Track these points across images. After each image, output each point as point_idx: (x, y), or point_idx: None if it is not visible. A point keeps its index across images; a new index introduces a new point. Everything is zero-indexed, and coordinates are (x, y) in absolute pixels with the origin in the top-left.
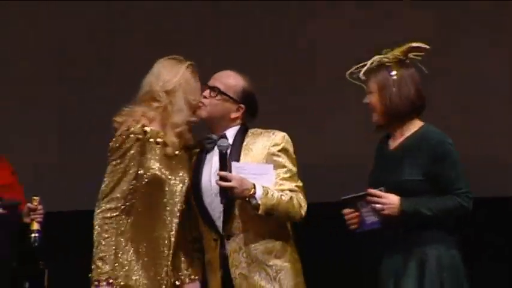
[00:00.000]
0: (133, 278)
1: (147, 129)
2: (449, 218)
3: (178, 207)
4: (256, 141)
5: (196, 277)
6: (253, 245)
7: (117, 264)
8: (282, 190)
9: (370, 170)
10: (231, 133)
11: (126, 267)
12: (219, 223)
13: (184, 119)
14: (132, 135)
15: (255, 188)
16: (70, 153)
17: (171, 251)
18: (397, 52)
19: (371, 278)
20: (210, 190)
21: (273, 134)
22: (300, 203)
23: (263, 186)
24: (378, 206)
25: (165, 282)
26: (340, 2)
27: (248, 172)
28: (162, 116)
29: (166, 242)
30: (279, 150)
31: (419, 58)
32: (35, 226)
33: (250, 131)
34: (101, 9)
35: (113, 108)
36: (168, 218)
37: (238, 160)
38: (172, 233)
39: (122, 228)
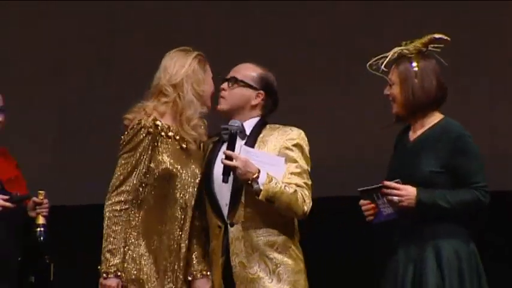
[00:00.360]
0: (145, 271)
1: (158, 123)
2: (465, 211)
3: (191, 202)
4: (272, 134)
5: (208, 272)
6: (255, 235)
7: (127, 257)
8: (289, 183)
9: (369, 171)
10: (249, 124)
11: (138, 261)
12: (225, 211)
13: (197, 111)
14: (143, 129)
15: (259, 172)
16: (70, 153)
17: (182, 246)
18: (418, 44)
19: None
20: (220, 178)
21: (290, 129)
22: (304, 199)
23: (269, 174)
24: (395, 198)
25: (175, 276)
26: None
27: (258, 159)
28: (173, 110)
29: (177, 236)
30: (293, 145)
31: (439, 50)
32: (41, 220)
33: (269, 125)
34: (101, 9)
35: (113, 108)
36: (179, 213)
37: None
38: (185, 228)
39: (134, 222)
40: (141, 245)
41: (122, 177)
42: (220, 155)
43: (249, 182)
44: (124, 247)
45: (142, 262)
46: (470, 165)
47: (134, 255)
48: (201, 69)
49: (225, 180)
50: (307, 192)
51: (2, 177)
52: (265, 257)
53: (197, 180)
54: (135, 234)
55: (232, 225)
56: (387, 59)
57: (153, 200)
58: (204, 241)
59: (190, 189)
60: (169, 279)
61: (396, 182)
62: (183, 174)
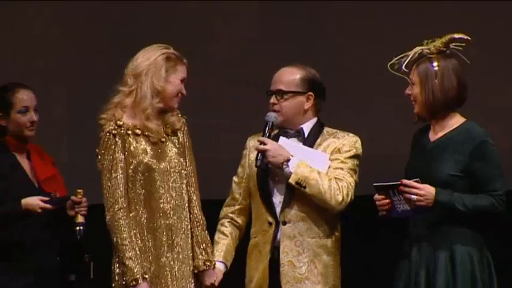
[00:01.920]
0: (162, 260)
1: (120, 123)
2: (480, 217)
3: (181, 193)
4: (327, 139)
5: (212, 262)
6: (307, 236)
7: (143, 257)
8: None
9: (368, 172)
10: (307, 127)
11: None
12: (278, 208)
13: (148, 104)
14: (108, 134)
15: (289, 160)
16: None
17: (176, 239)
18: (438, 43)
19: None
20: (275, 176)
21: (347, 134)
22: (341, 190)
23: (300, 161)
24: (413, 196)
25: (172, 270)
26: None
27: (299, 152)
28: (132, 100)
29: (168, 231)
30: (346, 151)
31: (461, 49)
32: (80, 219)
33: (326, 129)
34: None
35: None
36: (168, 206)
37: None
38: (179, 220)
39: (131, 223)
40: (145, 240)
41: (110, 187)
42: None
43: (280, 165)
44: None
45: (152, 252)
46: (489, 172)
47: (145, 250)
48: (167, 66)
49: (256, 164)
50: (345, 184)
51: (39, 176)
52: (315, 258)
53: (182, 170)
54: (137, 232)
55: (284, 224)
56: (408, 59)
57: (139, 199)
58: (202, 231)
59: (174, 179)
60: (166, 274)
61: (415, 181)
62: (161, 166)
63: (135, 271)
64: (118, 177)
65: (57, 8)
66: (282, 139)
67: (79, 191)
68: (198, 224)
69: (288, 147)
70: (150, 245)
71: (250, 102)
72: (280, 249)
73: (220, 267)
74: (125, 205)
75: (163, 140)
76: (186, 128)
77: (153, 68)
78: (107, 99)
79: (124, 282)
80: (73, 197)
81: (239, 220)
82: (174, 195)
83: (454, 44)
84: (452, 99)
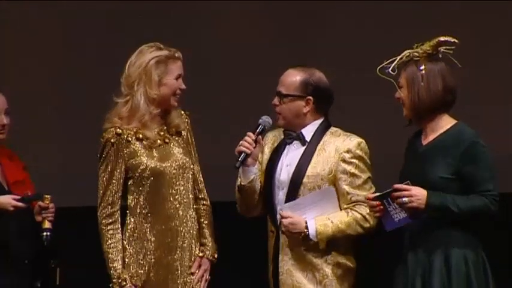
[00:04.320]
0: (169, 261)
1: (120, 130)
2: (474, 217)
3: (188, 195)
4: (332, 142)
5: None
6: (306, 245)
7: (132, 263)
8: (349, 203)
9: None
10: (308, 131)
11: (145, 266)
12: (279, 216)
13: (143, 113)
14: (107, 142)
15: (307, 228)
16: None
17: (183, 240)
18: (427, 46)
19: None
20: (278, 183)
21: (350, 139)
22: (364, 216)
23: (316, 221)
24: (405, 199)
25: (179, 271)
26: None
27: (305, 205)
28: (128, 109)
29: (174, 232)
30: (350, 158)
31: (451, 52)
32: (47, 224)
33: (331, 130)
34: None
35: None
36: (173, 207)
37: (310, 160)
38: (186, 221)
39: (130, 230)
40: (144, 249)
41: (101, 193)
42: (283, 160)
43: (302, 236)
44: (124, 256)
45: (149, 263)
46: (481, 173)
47: (140, 261)
48: (159, 71)
49: (236, 165)
50: (367, 209)
51: (8, 179)
52: (314, 267)
53: (187, 169)
54: (135, 240)
55: (283, 232)
56: (395, 62)
57: (146, 203)
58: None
59: (180, 179)
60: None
61: (406, 184)
62: (166, 168)
63: (121, 278)
64: (111, 184)
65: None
66: (285, 206)
67: (46, 196)
68: (206, 214)
69: (295, 207)
70: (154, 247)
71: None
72: (279, 258)
73: None
74: (113, 211)
75: (167, 141)
76: (189, 125)
77: (144, 76)
78: (106, 109)
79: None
80: (40, 203)
81: None
82: (180, 195)
83: (444, 47)
84: (438, 102)
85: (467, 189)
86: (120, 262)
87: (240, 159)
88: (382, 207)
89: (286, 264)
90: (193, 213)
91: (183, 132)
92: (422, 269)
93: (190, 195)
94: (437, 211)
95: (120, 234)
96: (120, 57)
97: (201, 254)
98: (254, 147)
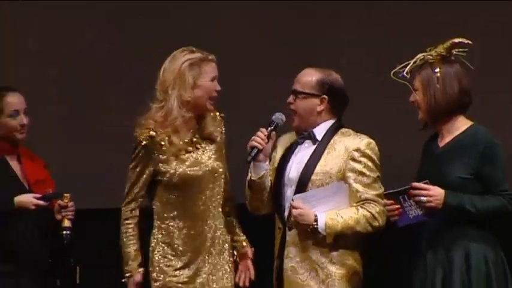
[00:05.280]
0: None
1: (153, 133)
2: (491, 217)
3: (217, 198)
4: (341, 141)
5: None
6: (311, 243)
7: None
8: (359, 201)
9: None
10: (320, 130)
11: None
12: (287, 213)
13: (175, 117)
14: (139, 144)
15: (317, 221)
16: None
17: (216, 241)
18: (440, 49)
19: None
20: (287, 181)
21: (360, 138)
22: (374, 216)
23: (326, 214)
24: (423, 198)
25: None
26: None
27: (316, 198)
28: (162, 115)
29: (208, 233)
30: (360, 156)
31: (464, 54)
32: (66, 223)
33: (342, 130)
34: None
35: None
36: (203, 211)
37: (319, 158)
38: (215, 223)
39: (159, 234)
40: (172, 253)
41: (126, 190)
42: (294, 160)
43: (311, 228)
44: (142, 253)
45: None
46: (498, 173)
47: (167, 265)
48: (193, 73)
49: (248, 160)
50: (375, 206)
51: (30, 179)
52: (318, 265)
53: (217, 176)
54: (163, 244)
55: (290, 229)
56: (410, 66)
57: (174, 208)
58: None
59: (211, 187)
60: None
61: (424, 183)
62: (197, 175)
63: (130, 265)
64: (136, 183)
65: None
66: (297, 197)
67: (66, 195)
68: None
69: (306, 199)
70: (182, 252)
71: None
72: (284, 254)
73: None
74: (134, 208)
75: (199, 146)
76: (223, 128)
77: (179, 80)
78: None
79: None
80: (60, 201)
81: None
82: (210, 200)
83: (457, 49)
84: (455, 104)
85: (484, 189)
86: (133, 255)
87: (251, 153)
88: (398, 206)
89: (291, 261)
90: (223, 217)
91: (217, 137)
92: (442, 266)
93: (221, 200)
94: (454, 211)
95: (137, 231)
96: (120, 57)
97: (243, 251)
98: (266, 143)
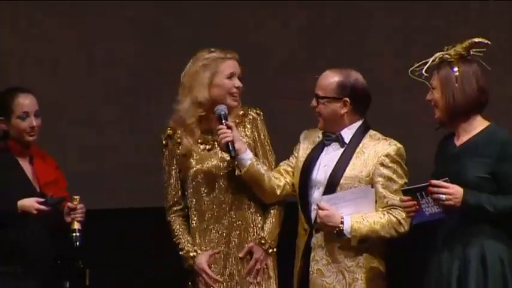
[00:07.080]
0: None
1: (170, 131)
2: (508, 217)
3: (231, 194)
4: (371, 145)
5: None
6: (338, 247)
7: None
8: (385, 207)
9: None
10: (347, 133)
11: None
12: (313, 215)
13: (189, 117)
14: (163, 145)
15: (343, 223)
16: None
17: (235, 234)
18: (459, 48)
19: None
20: (314, 182)
21: (389, 143)
22: (399, 221)
23: (352, 217)
24: (442, 196)
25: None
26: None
27: (343, 200)
28: (179, 115)
29: (226, 226)
30: (389, 162)
31: (481, 54)
32: (76, 225)
33: (370, 133)
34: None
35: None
36: (219, 204)
37: (348, 162)
38: (235, 216)
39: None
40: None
41: (164, 193)
42: (320, 161)
43: (336, 231)
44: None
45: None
46: None
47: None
48: (208, 73)
49: (231, 155)
50: (402, 214)
51: (40, 180)
52: (344, 269)
53: (226, 169)
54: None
55: (317, 231)
56: (428, 64)
57: (201, 202)
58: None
59: (231, 181)
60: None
61: (444, 181)
62: (216, 170)
63: (190, 253)
64: (170, 185)
65: None
66: (325, 198)
67: (75, 197)
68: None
69: (332, 200)
70: (210, 245)
71: None
72: (311, 257)
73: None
74: (174, 203)
75: (213, 143)
76: (258, 122)
77: (195, 81)
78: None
79: (186, 267)
80: (69, 204)
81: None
82: (233, 194)
83: (475, 49)
84: (473, 104)
85: (500, 188)
86: (188, 242)
87: (230, 148)
88: (415, 202)
89: (317, 264)
90: (249, 210)
91: (244, 128)
92: (457, 264)
93: (244, 194)
94: (472, 210)
95: (184, 228)
96: (120, 57)
97: (251, 244)
98: (231, 133)
